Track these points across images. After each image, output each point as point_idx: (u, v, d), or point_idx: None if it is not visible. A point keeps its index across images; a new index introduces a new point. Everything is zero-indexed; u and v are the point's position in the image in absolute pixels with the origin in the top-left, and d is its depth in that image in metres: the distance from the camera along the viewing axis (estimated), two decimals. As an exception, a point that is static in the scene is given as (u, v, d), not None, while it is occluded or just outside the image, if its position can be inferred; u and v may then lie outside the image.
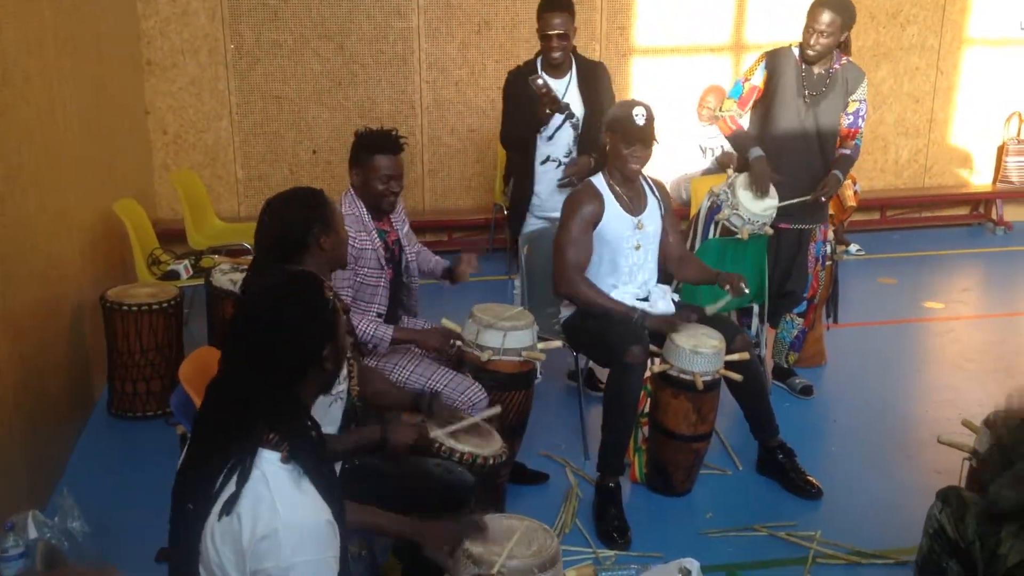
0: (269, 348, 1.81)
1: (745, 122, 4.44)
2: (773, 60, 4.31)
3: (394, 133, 3.40)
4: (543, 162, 4.50)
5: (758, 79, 4.33)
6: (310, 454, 1.81)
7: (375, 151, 3.36)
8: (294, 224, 2.72)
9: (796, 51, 4.30)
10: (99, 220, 4.85)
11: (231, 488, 1.74)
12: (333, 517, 1.79)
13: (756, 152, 4.25)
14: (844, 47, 4.32)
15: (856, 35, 7.53)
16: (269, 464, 1.77)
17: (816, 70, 4.27)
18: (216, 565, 1.76)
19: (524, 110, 4.40)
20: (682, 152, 7.05)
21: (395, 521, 2.26)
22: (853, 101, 4.34)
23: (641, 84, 7.37)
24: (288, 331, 1.83)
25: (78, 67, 4.64)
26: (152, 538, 2.19)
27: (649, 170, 3.95)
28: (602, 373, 4.26)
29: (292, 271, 2.30)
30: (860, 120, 4.38)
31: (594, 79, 4.52)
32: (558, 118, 4.39)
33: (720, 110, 4.44)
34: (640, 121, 3.60)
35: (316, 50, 6.87)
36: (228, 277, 4.51)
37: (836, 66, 4.29)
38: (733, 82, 4.48)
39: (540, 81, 4.27)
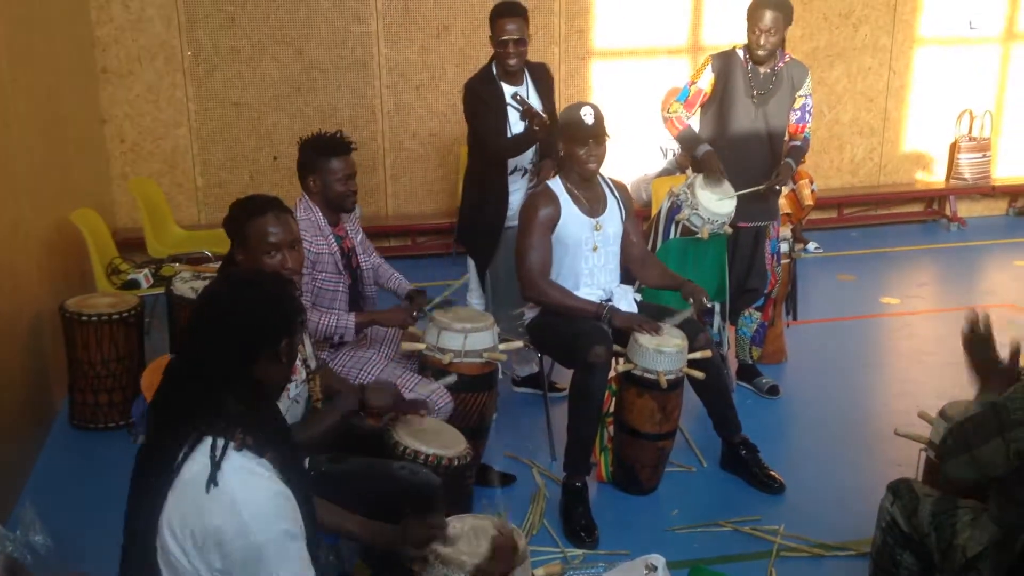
0: (229, 322, 1.89)
1: (694, 123, 4.50)
2: (720, 63, 4.39)
3: (340, 134, 3.45)
4: (510, 173, 4.41)
5: (704, 83, 4.40)
6: (272, 444, 1.87)
7: (330, 154, 3.41)
8: (227, 228, 2.79)
9: (741, 53, 4.38)
10: (56, 230, 4.79)
11: (199, 462, 1.78)
12: (295, 498, 1.84)
13: (703, 148, 4.33)
14: (782, 43, 4.41)
15: (809, 35, 7.69)
16: (228, 452, 1.81)
17: (762, 70, 4.35)
18: (174, 556, 1.78)
19: (503, 117, 4.28)
20: (641, 153, 7.12)
21: (367, 528, 2.32)
22: (799, 97, 4.45)
23: (600, 86, 7.43)
24: (251, 309, 1.91)
25: (31, 76, 4.58)
26: (116, 550, 2.17)
27: (609, 170, 3.99)
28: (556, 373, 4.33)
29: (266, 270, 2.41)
30: (807, 115, 4.50)
31: (546, 80, 4.47)
32: (520, 125, 4.26)
33: (668, 111, 4.50)
34: (589, 120, 3.64)
35: (275, 56, 6.83)
36: (189, 285, 4.48)
37: (780, 64, 4.38)
38: (683, 86, 4.54)
39: (519, 97, 4.16)
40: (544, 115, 4.11)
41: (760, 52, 4.27)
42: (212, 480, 1.76)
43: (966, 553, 2.40)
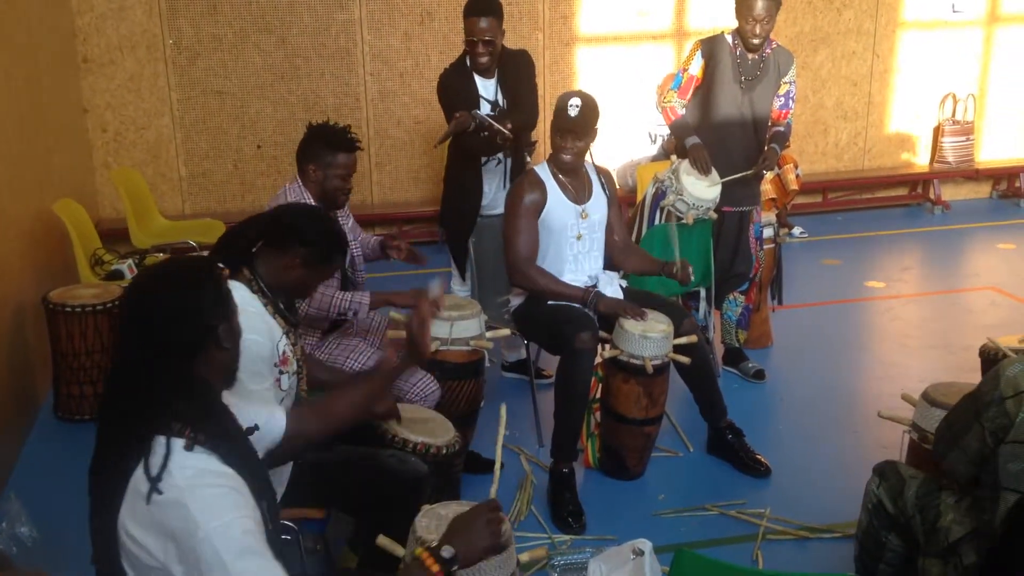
0: (159, 326, 1.79)
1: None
2: (708, 47, 4.39)
3: (349, 130, 3.44)
4: (484, 164, 4.40)
5: (695, 69, 4.40)
6: (221, 438, 1.80)
7: (338, 148, 3.39)
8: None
9: (730, 38, 4.37)
10: (38, 221, 4.76)
11: (140, 470, 1.72)
12: (250, 491, 1.79)
13: (692, 139, 4.34)
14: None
15: (794, 20, 7.69)
16: (176, 454, 1.74)
17: (750, 56, 4.35)
18: (136, 557, 1.75)
19: (473, 103, 4.23)
20: (629, 139, 7.12)
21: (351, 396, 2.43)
22: (784, 83, 4.46)
23: (584, 72, 7.41)
24: (176, 308, 1.81)
25: (11, 66, 4.54)
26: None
27: (597, 156, 3.98)
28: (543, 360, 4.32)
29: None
30: (791, 102, 4.51)
31: (518, 70, 4.36)
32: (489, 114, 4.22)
33: (664, 101, 4.50)
34: (573, 112, 3.59)
35: (257, 44, 6.79)
36: (173, 275, 4.45)
37: (768, 51, 4.39)
38: (675, 73, 4.53)
39: (479, 119, 4.09)
40: (508, 130, 4.10)
41: (754, 41, 4.27)
42: (156, 484, 1.70)
43: (949, 537, 2.42)
